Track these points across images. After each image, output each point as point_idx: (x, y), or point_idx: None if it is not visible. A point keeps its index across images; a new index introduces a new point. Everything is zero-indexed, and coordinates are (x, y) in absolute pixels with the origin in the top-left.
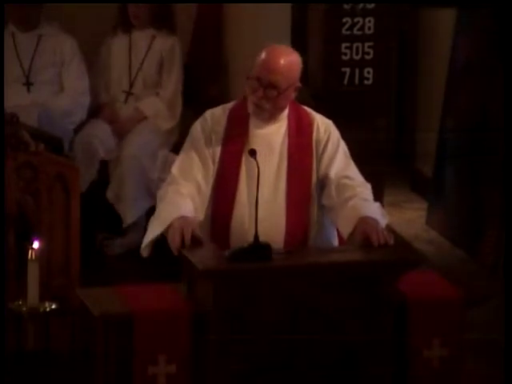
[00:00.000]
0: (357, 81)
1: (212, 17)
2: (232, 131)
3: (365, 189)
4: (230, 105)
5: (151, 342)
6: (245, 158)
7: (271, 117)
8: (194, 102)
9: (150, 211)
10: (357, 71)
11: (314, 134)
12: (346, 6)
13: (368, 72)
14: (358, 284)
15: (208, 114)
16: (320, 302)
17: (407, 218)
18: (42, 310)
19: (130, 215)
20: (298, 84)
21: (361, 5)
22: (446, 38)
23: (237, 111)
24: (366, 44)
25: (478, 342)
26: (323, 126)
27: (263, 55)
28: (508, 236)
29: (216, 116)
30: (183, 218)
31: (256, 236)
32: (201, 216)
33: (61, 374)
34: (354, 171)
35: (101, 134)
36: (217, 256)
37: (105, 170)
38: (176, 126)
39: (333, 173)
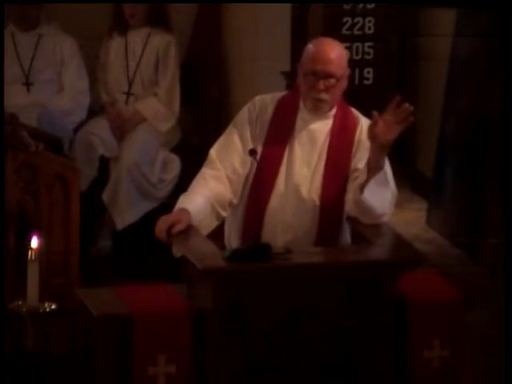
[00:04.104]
0: (357, 81)
1: (212, 17)
2: (278, 122)
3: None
4: (279, 94)
5: (151, 342)
6: (287, 150)
7: (329, 109)
8: (194, 102)
9: (147, 215)
10: (357, 71)
11: (357, 136)
12: (346, 6)
13: (368, 72)
14: (358, 284)
15: (257, 99)
16: (320, 301)
17: (407, 218)
18: (41, 310)
19: (122, 221)
20: (349, 71)
21: (361, 5)
22: (446, 38)
23: (286, 102)
24: (366, 44)
25: (478, 341)
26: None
27: (312, 49)
28: (508, 236)
29: (265, 103)
30: (174, 213)
31: (256, 237)
32: (234, 199)
33: (61, 374)
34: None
35: (100, 131)
36: (217, 255)
37: (106, 169)
38: (175, 125)
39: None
